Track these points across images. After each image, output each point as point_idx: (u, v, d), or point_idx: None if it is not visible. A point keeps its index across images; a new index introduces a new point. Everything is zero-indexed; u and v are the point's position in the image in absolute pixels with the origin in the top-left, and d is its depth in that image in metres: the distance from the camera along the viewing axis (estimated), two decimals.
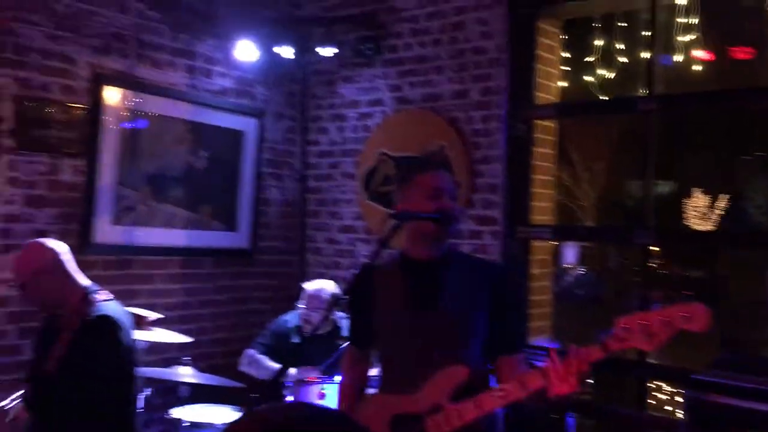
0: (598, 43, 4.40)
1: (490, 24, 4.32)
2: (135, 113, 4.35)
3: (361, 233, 4.94)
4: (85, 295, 2.88)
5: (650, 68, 3.79)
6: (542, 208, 4.34)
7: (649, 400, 4.49)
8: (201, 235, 4.72)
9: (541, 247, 4.33)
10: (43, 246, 2.88)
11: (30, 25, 3.88)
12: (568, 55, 4.62)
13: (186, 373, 3.56)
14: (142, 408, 3.68)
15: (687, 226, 14.81)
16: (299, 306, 4.07)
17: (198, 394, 3.87)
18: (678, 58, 4.28)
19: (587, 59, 4.54)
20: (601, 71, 4.51)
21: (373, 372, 2.61)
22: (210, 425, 3.68)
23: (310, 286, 4.06)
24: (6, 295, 3.81)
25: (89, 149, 4.11)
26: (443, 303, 2.28)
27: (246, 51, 4.63)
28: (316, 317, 3.87)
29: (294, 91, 5.20)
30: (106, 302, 2.89)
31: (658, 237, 3.80)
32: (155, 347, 4.12)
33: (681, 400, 4.19)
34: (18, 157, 3.86)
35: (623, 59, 4.39)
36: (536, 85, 4.21)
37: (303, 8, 5.22)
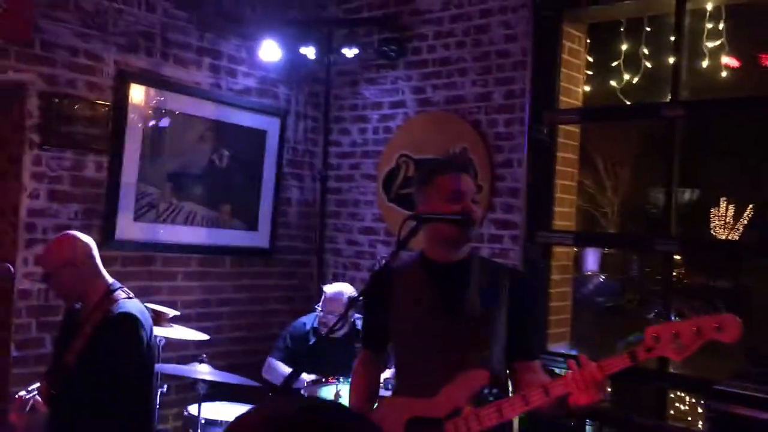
0: (623, 47, 4.35)
1: (514, 27, 4.30)
2: (159, 111, 4.38)
3: (381, 235, 4.93)
4: (107, 291, 2.90)
5: (676, 74, 3.74)
6: (564, 214, 4.30)
7: (670, 411, 4.43)
8: (221, 233, 4.75)
9: (562, 253, 4.29)
10: (75, 239, 2.91)
11: (57, 23, 3.92)
12: (592, 59, 4.57)
13: (203, 371, 3.57)
14: (159, 404, 3.72)
15: (711, 235, 14.61)
16: (317, 308, 4.07)
17: (215, 392, 3.88)
18: (704, 63, 4.22)
19: (612, 63, 4.49)
20: (626, 76, 4.45)
21: (385, 375, 2.60)
22: (226, 423, 3.69)
23: (329, 288, 4.05)
24: (27, 288, 3.86)
25: (113, 146, 4.15)
26: (463, 306, 2.26)
27: (270, 51, 4.65)
28: (333, 320, 3.86)
29: (317, 92, 5.22)
30: (128, 299, 2.91)
31: (680, 245, 3.75)
32: (173, 344, 4.15)
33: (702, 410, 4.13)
34: (43, 153, 3.91)
35: (648, 64, 4.33)
36: (560, 89, 4.18)
37: (327, 9, 5.24)
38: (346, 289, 4.01)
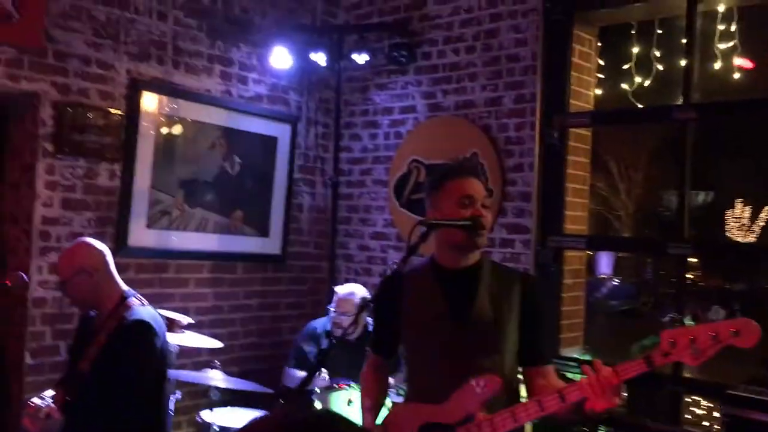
0: (635, 50, 4.33)
1: (524, 31, 4.30)
2: (171, 119, 4.41)
3: (393, 240, 4.93)
4: (121, 298, 2.92)
5: (687, 76, 3.72)
6: (576, 218, 4.28)
7: (687, 415, 4.39)
8: (233, 240, 4.76)
9: (574, 257, 4.27)
10: (89, 246, 2.93)
11: (70, 32, 3.96)
12: (603, 62, 4.55)
13: (216, 377, 3.58)
14: (173, 411, 3.73)
15: (726, 238, 14.50)
16: (330, 309, 4.08)
17: (228, 398, 3.89)
18: (717, 65, 4.19)
19: (623, 66, 4.47)
20: (637, 79, 4.43)
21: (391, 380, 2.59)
22: (239, 429, 3.68)
23: (341, 289, 4.06)
24: (42, 296, 3.89)
25: (126, 154, 4.18)
26: (475, 312, 2.25)
27: (280, 58, 4.67)
28: (346, 321, 3.87)
29: (327, 98, 5.23)
30: (142, 307, 2.93)
31: (694, 248, 3.72)
32: (187, 350, 4.17)
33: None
34: (56, 161, 3.94)
35: (660, 66, 4.31)
36: (570, 92, 4.17)
37: (337, 16, 5.25)
38: (358, 290, 4.03)
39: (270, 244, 4.99)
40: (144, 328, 2.82)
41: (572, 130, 4.20)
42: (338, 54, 4.76)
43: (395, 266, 2.20)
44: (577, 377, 2.15)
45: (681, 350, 1.92)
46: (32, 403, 2.78)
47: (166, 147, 4.39)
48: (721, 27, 4.08)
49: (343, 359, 3.65)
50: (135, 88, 4.21)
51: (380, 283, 2.35)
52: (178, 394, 3.80)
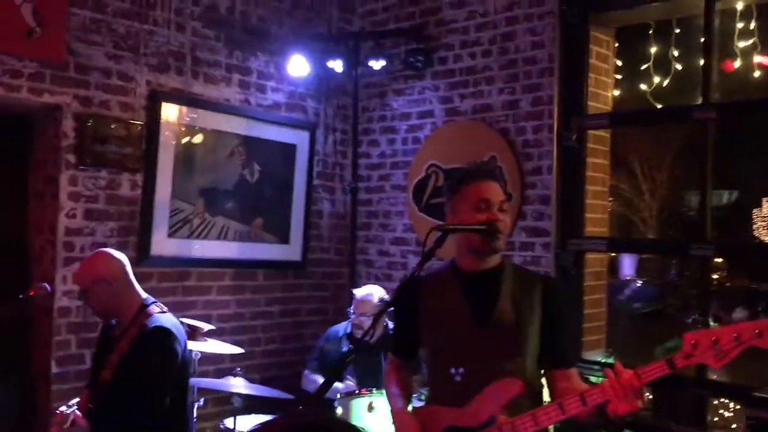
0: (653, 50, 4.30)
1: (540, 33, 4.29)
2: (190, 128, 4.46)
3: (413, 245, 4.94)
4: (142, 306, 2.95)
5: (706, 75, 3.69)
6: (596, 220, 4.26)
7: (714, 418, 4.33)
8: (253, 247, 4.80)
9: (596, 259, 4.24)
10: (108, 255, 2.97)
11: (91, 46, 4.02)
12: (621, 62, 4.52)
13: (238, 384, 3.61)
14: (195, 418, 3.76)
15: (752, 237, 14.28)
16: (350, 311, 4.10)
17: (250, 405, 3.91)
18: (736, 64, 4.15)
19: (641, 67, 4.44)
20: (656, 79, 4.40)
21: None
22: None
23: (359, 291, 4.08)
24: (66, 306, 3.95)
25: (147, 164, 4.23)
26: (496, 315, 2.24)
27: (298, 66, 4.71)
28: (366, 322, 3.88)
29: (345, 105, 5.25)
30: (162, 314, 2.96)
31: (716, 249, 3.68)
32: (209, 357, 4.20)
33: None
34: (79, 173, 4.00)
35: (679, 66, 4.27)
36: (588, 94, 4.15)
37: (353, 23, 5.28)
38: (376, 291, 4.04)
39: (290, 251, 5.01)
40: (164, 335, 2.85)
41: (591, 131, 4.17)
42: (355, 61, 4.78)
43: (411, 272, 2.19)
44: (600, 380, 2.14)
45: (703, 352, 1.90)
46: (59, 411, 2.83)
47: (186, 156, 4.44)
48: (740, 25, 4.04)
49: (363, 363, 3.66)
50: (155, 98, 4.27)
51: (399, 286, 2.35)
52: (201, 401, 3.83)
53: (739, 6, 3.93)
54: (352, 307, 4.06)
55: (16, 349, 4.11)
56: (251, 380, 3.90)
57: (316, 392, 2.09)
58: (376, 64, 4.80)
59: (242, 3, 4.72)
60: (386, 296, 4.06)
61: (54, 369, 3.92)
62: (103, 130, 4.06)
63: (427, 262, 2.14)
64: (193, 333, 3.76)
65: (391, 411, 2.42)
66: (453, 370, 2.29)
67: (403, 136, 5.04)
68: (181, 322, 3.17)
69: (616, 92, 4.46)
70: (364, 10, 5.25)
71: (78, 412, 2.79)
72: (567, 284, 3.99)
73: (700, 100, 3.74)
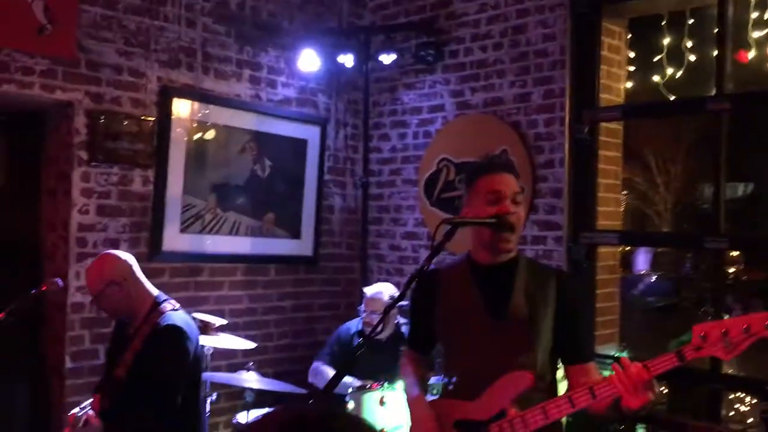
0: (666, 41, 4.25)
1: (552, 25, 4.26)
2: (201, 124, 4.47)
3: (424, 239, 4.92)
4: (154, 304, 2.96)
5: (720, 66, 3.64)
6: (609, 213, 4.23)
7: (730, 413, 4.30)
8: (265, 242, 4.81)
9: (608, 253, 4.22)
10: (113, 257, 2.97)
11: (102, 42, 4.04)
12: (633, 54, 4.47)
13: (250, 379, 3.62)
14: (208, 412, 3.78)
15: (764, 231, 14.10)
16: (360, 309, 4.09)
17: (263, 399, 3.93)
18: (750, 54, 4.09)
19: (654, 58, 4.39)
20: (669, 70, 4.35)
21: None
22: None
23: (369, 289, 4.08)
24: (80, 301, 3.97)
25: (158, 160, 4.25)
26: (510, 309, 2.24)
27: (308, 61, 4.70)
28: (376, 320, 3.87)
29: (356, 99, 5.24)
30: (174, 311, 2.96)
31: (730, 242, 3.64)
32: (222, 352, 4.22)
33: None
34: (91, 169, 4.02)
35: (692, 57, 4.23)
36: (600, 86, 4.11)
37: (363, 17, 5.27)
38: (386, 288, 4.04)
39: (302, 246, 5.02)
40: (177, 333, 2.85)
41: (603, 124, 4.14)
42: (365, 55, 4.76)
43: (421, 266, 2.19)
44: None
45: (713, 344, 1.88)
46: (71, 413, 2.84)
47: (197, 152, 4.44)
48: (754, 15, 3.98)
49: (374, 359, 3.65)
50: (166, 94, 4.28)
51: (416, 279, 2.35)
52: (214, 396, 3.85)
53: None
54: (362, 305, 4.06)
55: (30, 344, 4.15)
56: (264, 375, 3.91)
57: (326, 386, 2.08)
58: (387, 59, 4.79)
59: None
60: (396, 294, 4.05)
61: (68, 364, 3.95)
62: (115, 127, 4.08)
63: (436, 255, 2.13)
64: (206, 328, 3.77)
65: (407, 399, 2.43)
66: (467, 364, 2.29)
67: (414, 131, 5.02)
68: (194, 318, 3.18)
69: (629, 84, 4.42)
70: (374, 4, 5.24)
71: (91, 413, 2.80)
72: (579, 278, 3.97)
73: (713, 92, 3.70)
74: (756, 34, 4.06)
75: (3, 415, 3.92)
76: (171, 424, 2.84)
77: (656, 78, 4.45)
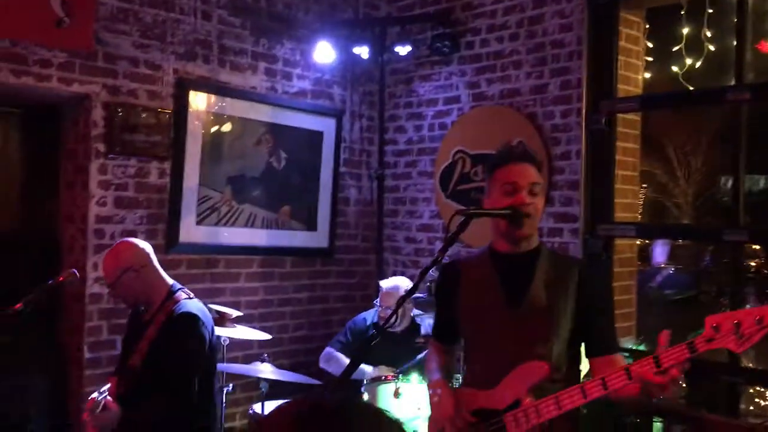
0: (685, 30, 4.19)
1: (569, 16, 4.22)
2: (218, 116, 4.48)
3: (440, 232, 4.91)
4: (169, 293, 2.99)
5: (740, 56, 3.59)
6: (626, 205, 4.19)
7: (750, 407, 4.26)
8: (281, 234, 4.82)
9: (625, 245, 4.18)
10: (131, 244, 3.01)
11: (119, 35, 4.06)
12: (652, 44, 4.42)
13: (265, 370, 3.64)
14: (225, 403, 3.81)
15: None
16: (376, 303, 4.10)
17: (279, 390, 3.95)
18: None
19: (673, 48, 4.33)
20: (688, 60, 4.29)
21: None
22: None
23: (385, 283, 4.08)
24: (98, 292, 4.01)
25: (175, 152, 4.27)
26: (528, 298, 2.23)
27: (324, 52, 4.70)
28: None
29: (371, 91, 5.23)
30: (189, 300, 2.99)
31: (750, 235, 3.59)
32: (238, 343, 4.24)
33: None
34: (108, 161, 4.06)
35: (711, 47, 4.16)
36: (618, 77, 4.07)
37: (379, 8, 5.25)
38: (402, 283, 4.03)
39: (318, 238, 5.03)
40: (192, 320, 2.88)
41: (620, 115, 4.10)
42: (381, 46, 4.75)
43: (436, 257, 2.18)
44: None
45: (725, 335, 1.85)
46: (91, 397, 2.88)
47: (213, 144, 4.46)
48: None
49: (388, 351, 3.65)
50: (182, 87, 4.29)
51: (438, 271, 2.34)
52: (230, 387, 3.88)
53: None
54: (378, 298, 4.06)
55: (48, 334, 4.20)
56: (279, 366, 3.93)
57: (342, 374, 2.09)
58: (403, 50, 4.78)
59: None
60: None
61: (86, 354, 4.00)
62: (132, 119, 4.10)
63: (449, 247, 2.13)
64: (222, 319, 3.80)
65: (428, 383, 2.44)
66: (487, 353, 2.30)
67: (429, 122, 5.01)
68: (209, 309, 3.20)
69: (647, 75, 4.36)
70: None
71: (109, 398, 2.83)
72: (602, 269, 3.92)
73: (733, 82, 3.65)
74: None
75: (22, 404, 3.98)
76: (186, 412, 2.86)
77: (675, 68, 4.39)
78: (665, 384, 1.92)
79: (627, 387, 2.00)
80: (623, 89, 4.11)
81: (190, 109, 4.33)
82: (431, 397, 2.38)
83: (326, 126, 5.03)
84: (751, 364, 3.93)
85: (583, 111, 4.09)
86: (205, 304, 3.11)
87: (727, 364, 3.57)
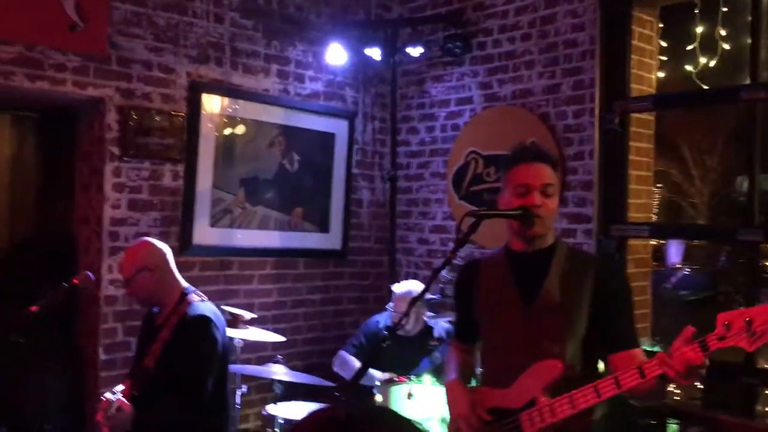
0: (699, 29, 4.16)
1: (581, 15, 4.20)
2: (230, 119, 4.50)
3: (453, 233, 4.91)
4: (182, 295, 3.01)
5: (754, 54, 3.56)
6: (640, 205, 4.16)
7: (765, 408, 4.22)
8: (294, 236, 4.83)
9: (639, 246, 4.15)
10: (151, 245, 3.04)
11: (132, 39, 4.09)
12: (665, 43, 4.39)
13: (279, 372, 3.65)
14: (239, 404, 3.82)
15: None
16: (388, 308, 4.09)
17: (293, 392, 3.96)
18: None
19: (687, 47, 4.30)
20: (702, 59, 4.26)
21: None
22: None
23: (398, 288, 4.07)
24: (113, 294, 4.04)
25: (188, 155, 4.29)
26: (539, 295, 2.23)
27: (336, 54, 4.70)
28: (405, 319, 3.86)
29: (383, 92, 5.24)
30: (201, 302, 3.01)
31: (765, 235, 3.56)
32: (252, 345, 4.25)
33: None
34: (122, 164, 4.08)
35: (726, 46, 4.13)
36: (631, 76, 4.04)
37: (391, 10, 5.25)
38: (415, 287, 4.02)
39: (331, 240, 5.04)
40: (204, 322, 2.90)
41: (634, 115, 4.07)
42: (393, 48, 4.75)
43: (447, 259, 2.19)
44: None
45: (736, 333, 1.83)
46: (104, 398, 2.90)
47: (226, 147, 4.48)
48: None
49: (402, 354, 3.65)
50: (195, 90, 4.32)
51: (458, 271, 2.35)
52: (244, 388, 3.89)
53: None
54: (391, 302, 4.05)
55: (64, 336, 4.23)
56: (293, 367, 3.94)
57: (352, 378, 2.10)
58: (414, 51, 4.77)
59: None
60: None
61: (101, 356, 4.02)
62: (146, 122, 4.13)
63: (461, 248, 2.13)
64: (235, 321, 3.81)
65: (445, 383, 2.46)
66: (503, 352, 2.30)
67: (442, 123, 5.00)
68: (223, 311, 3.21)
69: (661, 74, 4.33)
70: None
71: (123, 399, 2.85)
72: (619, 265, 3.89)
73: (747, 81, 3.62)
74: None
75: (40, 405, 4.01)
76: (199, 414, 2.88)
77: (689, 67, 4.36)
78: (683, 374, 1.90)
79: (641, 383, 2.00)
80: (636, 89, 4.09)
81: (203, 112, 4.35)
82: (447, 396, 2.38)
83: (338, 128, 5.04)
84: (767, 365, 3.89)
85: (596, 111, 4.07)
86: (219, 306, 3.12)
87: (743, 365, 3.54)
